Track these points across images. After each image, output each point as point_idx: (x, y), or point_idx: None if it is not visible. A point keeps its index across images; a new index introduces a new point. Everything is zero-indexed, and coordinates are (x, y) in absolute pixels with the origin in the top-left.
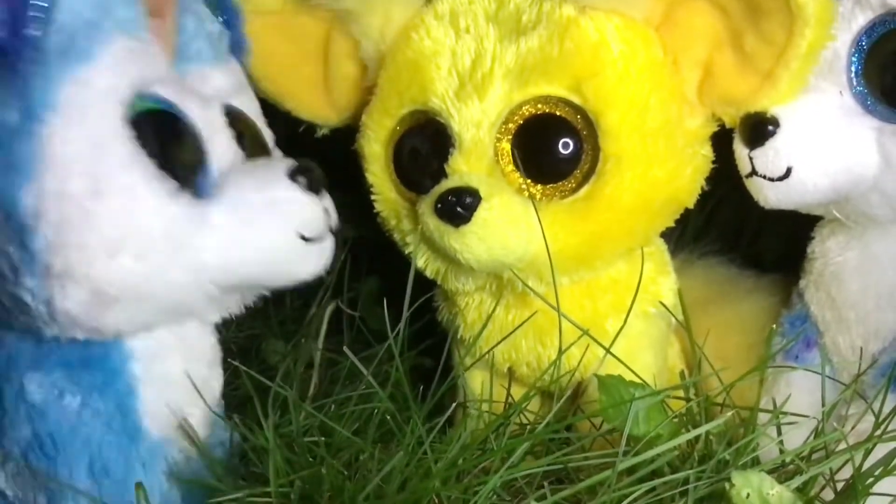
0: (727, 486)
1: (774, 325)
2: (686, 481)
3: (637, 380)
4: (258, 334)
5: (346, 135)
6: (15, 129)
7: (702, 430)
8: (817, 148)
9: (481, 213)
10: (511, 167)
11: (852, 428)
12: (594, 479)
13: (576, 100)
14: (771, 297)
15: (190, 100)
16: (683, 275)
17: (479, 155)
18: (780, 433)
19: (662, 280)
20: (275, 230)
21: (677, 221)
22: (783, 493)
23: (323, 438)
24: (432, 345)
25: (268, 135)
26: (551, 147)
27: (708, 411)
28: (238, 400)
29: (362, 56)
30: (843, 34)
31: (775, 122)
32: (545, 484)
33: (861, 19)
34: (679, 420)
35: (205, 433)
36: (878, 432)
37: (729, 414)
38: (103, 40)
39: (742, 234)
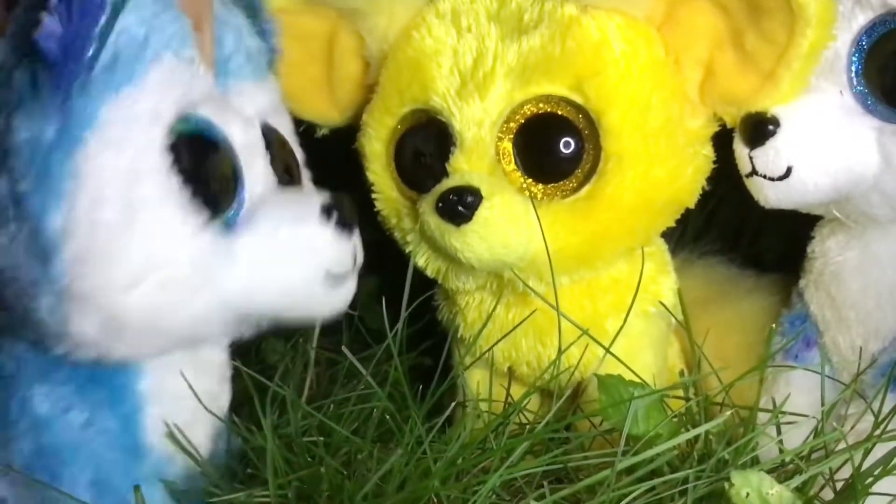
0: (726, 485)
1: (774, 325)
2: (685, 481)
3: (637, 379)
4: (257, 333)
5: (347, 133)
6: (52, 146)
7: (701, 429)
8: (818, 148)
9: (482, 213)
10: (512, 166)
11: (852, 427)
12: (593, 478)
13: (577, 99)
14: (771, 296)
15: (233, 121)
16: (683, 274)
17: (480, 154)
18: (779, 433)
19: (663, 280)
20: (302, 268)
21: (677, 221)
22: (782, 492)
23: (322, 438)
24: (432, 344)
25: (300, 154)
26: (552, 146)
27: (707, 411)
28: (237, 400)
29: (366, 54)
30: (844, 34)
31: (776, 122)
32: (544, 483)
33: (861, 19)
34: (678, 419)
35: (209, 448)
36: (878, 432)
37: (728, 413)
38: (150, 59)
39: (742, 233)
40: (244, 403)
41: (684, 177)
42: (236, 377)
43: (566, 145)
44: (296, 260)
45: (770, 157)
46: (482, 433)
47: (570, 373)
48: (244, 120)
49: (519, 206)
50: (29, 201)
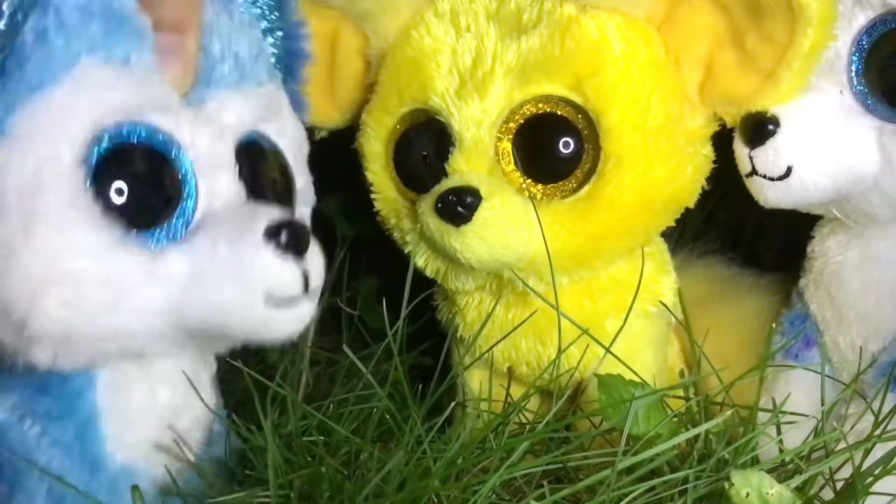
0: (726, 485)
1: (774, 324)
2: (685, 480)
3: (637, 379)
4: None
5: (347, 134)
6: None
7: (701, 429)
8: (817, 147)
9: (482, 213)
10: (512, 167)
11: (852, 427)
12: (593, 478)
13: (577, 99)
14: (771, 296)
15: (195, 130)
16: (683, 274)
17: (479, 154)
18: (779, 432)
19: (662, 279)
20: (237, 290)
21: (677, 221)
22: (782, 492)
23: (322, 438)
24: (431, 344)
25: (301, 166)
26: (552, 146)
27: (707, 410)
28: (236, 399)
29: (369, 53)
30: (844, 33)
31: (775, 122)
32: (544, 483)
33: (862, 19)
34: (678, 419)
35: (176, 458)
36: (878, 432)
37: (728, 413)
38: (68, 65)
39: (742, 233)
40: (244, 403)
41: (684, 176)
42: (236, 377)
43: (565, 145)
44: (230, 280)
45: (770, 156)
46: (482, 433)
47: (569, 373)
48: (215, 130)
49: (518, 207)
50: None
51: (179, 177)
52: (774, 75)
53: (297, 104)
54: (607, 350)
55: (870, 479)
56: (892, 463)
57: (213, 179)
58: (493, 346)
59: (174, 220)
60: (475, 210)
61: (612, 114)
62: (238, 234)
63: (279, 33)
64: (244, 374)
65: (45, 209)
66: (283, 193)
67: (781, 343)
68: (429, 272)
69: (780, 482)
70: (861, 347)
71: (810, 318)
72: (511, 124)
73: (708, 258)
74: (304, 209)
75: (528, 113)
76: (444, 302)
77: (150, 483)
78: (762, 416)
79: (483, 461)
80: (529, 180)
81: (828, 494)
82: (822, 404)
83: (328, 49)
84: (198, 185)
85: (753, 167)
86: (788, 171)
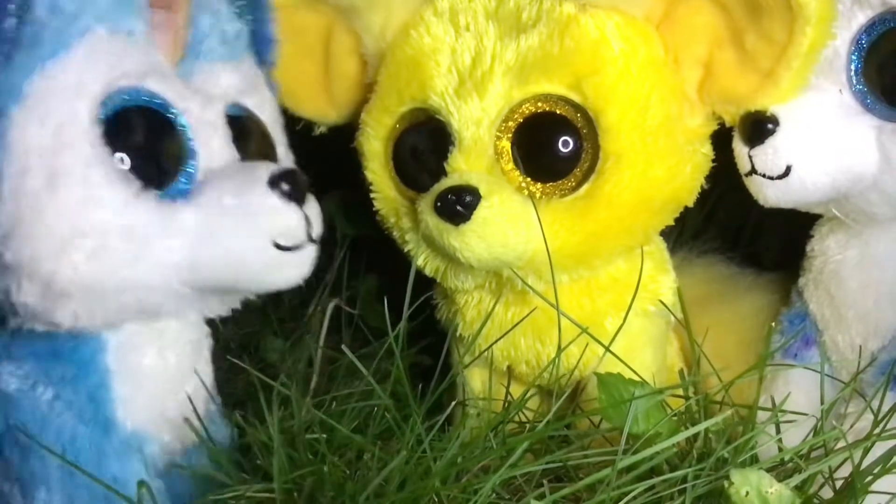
0: (726, 484)
1: (773, 324)
2: (685, 479)
3: (636, 378)
4: (257, 332)
5: (346, 132)
6: None
7: (700, 427)
8: (817, 146)
9: (481, 212)
10: (511, 165)
11: (851, 426)
12: (593, 477)
13: (576, 98)
14: (770, 295)
15: (187, 97)
16: (683, 273)
17: (478, 153)
18: (778, 431)
19: (662, 278)
20: (246, 236)
21: (676, 220)
22: (782, 491)
23: (324, 436)
24: (431, 342)
25: (280, 138)
26: (551, 145)
27: (707, 409)
28: (235, 398)
29: (363, 52)
30: (843, 32)
31: (775, 121)
32: (544, 482)
33: (861, 18)
34: (678, 418)
35: (182, 426)
36: (877, 430)
37: (728, 412)
38: (79, 33)
39: (741, 232)
40: (246, 400)
41: (683, 175)
42: (237, 374)
43: (565, 144)
44: (239, 228)
45: (769, 155)
46: (482, 432)
47: (569, 372)
48: (204, 98)
49: (517, 206)
50: None
51: (182, 137)
52: (774, 74)
53: (270, 86)
54: (607, 349)
55: (869, 477)
56: (892, 462)
57: (209, 142)
58: (492, 345)
59: (181, 177)
60: (474, 209)
61: (611, 113)
62: (242, 185)
63: (249, 17)
64: (246, 372)
65: (67, 166)
66: (271, 159)
67: (781, 342)
68: (428, 271)
69: (779, 481)
70: (860, 346)
71: (809, 317)
72: (510, 123)
73: (707, 257)
74: (309, 202)
75: (528, 112)
76: (444, 301)
77: (159, 449)
78: (762, 415)
79: (483, 460)
80: (529, 179)
81: (827, 493)
82: (822, 403)
83: (322, 45)
84: (196, 146)
85: (753, 166)
86: (788, 170)
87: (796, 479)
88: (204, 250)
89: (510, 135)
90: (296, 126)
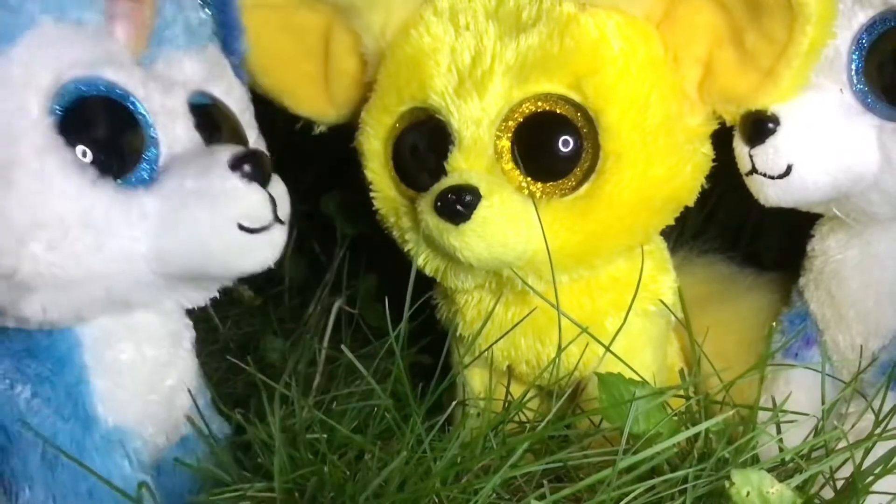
0: (727, 484)
1: (774, 323)
2: (685, 479)
3: (637, 378)
4: (256, 332)
5: (346, 132)
6: None
7: (701, 427)
8: (817, 146)
9: (481, 212)
10: (511, 165)
11: (852, 426)
12: (594, 477)
13: (576, 97)
14: (770, 294)
15: (149, 85)
16: (683, 273)
17: (478, 153)
18: (779, 431)
19: (662, 278)
20: (209, 220)
21: (677, 219)
22: (783, 491)
23: (325, 436)
24: (430, 342)
25: (249, 124)
26: (551, 145)
27: (707, 409)
28: (235, 398)
29: (363, 51)
30: (844, 32)
31: (775, 120)
32: (545, 482)
33: (861, 17)
34: (679, 418)
35: (165, 419)
36: (878, 430)
37: (730, 413)
38: (24, 25)
39: (742, 231)
40: (247, 400)
41: (683, 175)
42: (235, 376)
43: (565, 144)
44: (202, 212)
45: (770, 155)
46: (482, 432)
47: (569, 372)
48: (166, 85)
49: (518, 205)
50: None
51: (140, 125)
52: (774, 73)
53: (239, 75)
54: (607, 349)
55: (870, 477)
56: (893, 462)
57: (171, 128)
58: (492, 345)
59: (141, 165)
60: (474, 209)
61: (611, 112)
62: (203, 168)
63: (211, 6)
64: (246, 372)
65: (20, 158)
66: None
67: (781, 342)
68: (428, 271)
69: (780, 481)
70: (861, 346)
71: (810, 316)
72: (510, 123)
73: (707, 257)
74: (274, 183)
75: (528, 111)
76: (444, 300)
77: (142, 444)
78: (762, 415)
79: (483, 461)
80: (529, 179)
81: (828, 493)
82: (823, 403)
83: (321, 44)
84: (157, 133)
85: (753, 165)
86: (788, 169)
87: (797, 480)
88: (168, 237)
89: (510, 134)
90: (295, 125)
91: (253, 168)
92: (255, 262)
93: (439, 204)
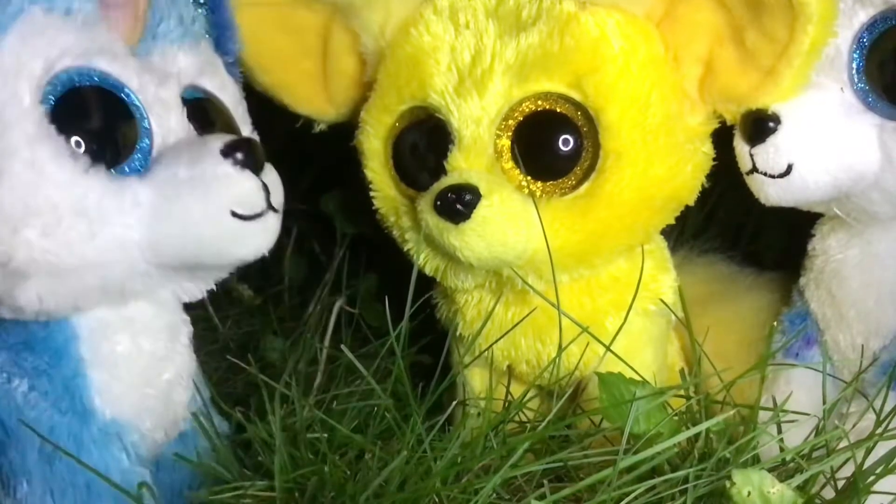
0: (727, 484)
1: (775, 323)
2: (686, 479)
3: (637, 377)
4: (256, 331)
5: (346, 131)
6: None
7: (702, 427)
8: (818, 145)
9: (481, 211)
10: (511, 164)
11: (853, 426)
12: (594, 477)
13: (576, 96)
14: (771, 294)
15: (143, 76)
16: (683, 272)
17: (478, 152)
18: (780, 431)
19: (662, 277)
20: (202, 207)
21: (677, 218)
22: (784, 491)
23: (325, 435)
24: (430, 341)
25: (243, 119)
26: (551, 144)
27: (708, 409)
28: (236, 397)
29: (362, 51)
30: (845, 31)
31: (776, 119)
32: (545, 482)
33: (862, 16)
34: (679, 418)
35: (163, 414)
36: (879, 430)
37: (731, 412)
38: (13, 15)
39: (742, 231)
40: (247, 399)
41: (684, 174)
42: (235, 375)
43: (565, 143)
44: (194, 199)
45: (770, 154)
46: (482, 432)
47: (570, 371)
48: (161, 76)
49: (518, 204)
50: None
51: (134, 115)
52: (775, 72)
53: (232, 73)
54: (607, 348)
55: (871, 477)
56: (894, 462)
57: (165, 119)
58: (492, 345)
59: (134, 155)
60: (474, 208)
61: (611, 111)
62: (196, 156)
63: (206, 8)
64: (246, 371)
65: (13, 146)
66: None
67: (782, 342)
68: (428, 270)
69: (781, 481)
70: (862, 346)
71: (811, 316)
72: (510, 122)
73: (708, 256)
74: (267, 171)
75: (528, 110)
76: (444, 300)
77: (140, 437)
78: (763, 415)
79: (484, 461)
80: (529, 178)
81: (829, 493)
82: (824, 403)
83: (320, 44)
84: (151, 124)
85: (754, 165)
86: (789, 168)
87: (798, 480)
88: (162, 225)
89: (510, 133)
90: (295, 124)
91: (245, 155)
92: (249, 249)
93: (439, 203)
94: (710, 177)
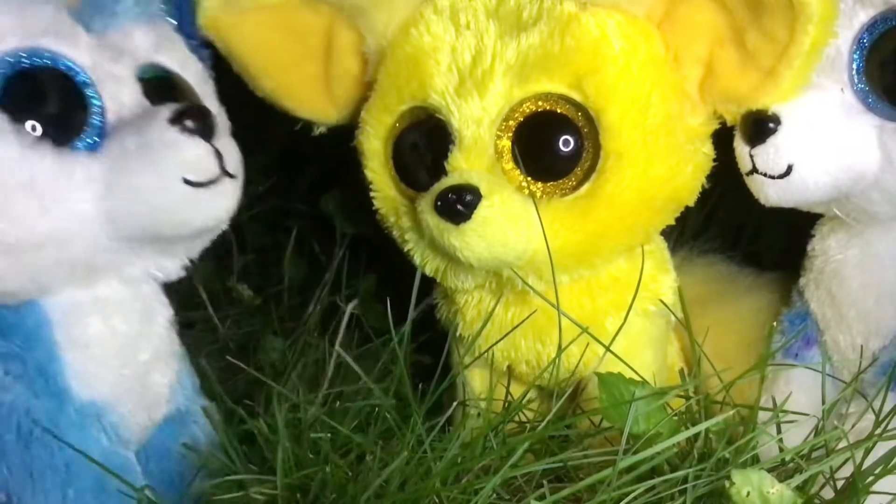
0: (727, 484)
1: (774, 323)
2: (686, 479)
3: (637, 378)
4: (256, 331)
5: (346, 132)
6: None
7: (701, 427)
8: (818, 145)
9: (481, 212)
10: (511, 165)
11: (852, 426)
12: (594, 477)
13: (576, 97)
14: (771, 294)
15: (94, 52)
16: (683, 272)
17: (479, 152)
18: (779, 431)
19: (662, 278)
20: (153, 176)
21: (677, 219)
22: (783, 491)
23: (329, 435)
24: (430, 341)
25: (209, 96)
26: (552, 144)
27: (707, 409)
28: (235, 397)
29: (365, 51)
30: (845, 31)
31: (776, 120)
32: (545, 482)
33: (862, 16)
34: (679, 418)
35: (141, 394)
36: (879, 431)
37: (731, 413)
38: None
39: (742, 231)
40: (247, 398)
41: (684, 175)
42: (235, 375)
43: (565, 143)
44: (145, 168)
45: (770, 154)
46: (482, 433)
47: (569, 372)
48: (114, 53)
49: (518, 205)
50: None
51: (84, 93)
52: (775, 73)
53: (201, 60)
54: (607, 349)
55: (870, 478)
56: (893, 462)
57: (117, 95)
58: (492, 346)
59: (86, 132)
60: (475, 208)
61: (612, 111)
62: (144, 126)
63: None
64: (245, 371)
65: None
66: None
67: (781, 342)
68: (428, 271)
69: (780, 481)
70: (861, 346)
71: (810, 316)
72: (511, 122)
73: (708, 257)
74: (225, 135)
75: (528, 111)
76: (444, 300)
77: (120, 419)
78: (763, 416)
79: (484, 461)
80: (529, 178)
81: (828, 493)
82: (823, 403)
83: (323, 46)
84: (103, 100)
85: (754, 165)
86: (789, 169)
87: (797, 480)
88: (116, 198)
89: (511, 134)
90: (294, 126)
91: (194, 121)
92: (207, 216)
93: (439, 203)
94: (710, 177)
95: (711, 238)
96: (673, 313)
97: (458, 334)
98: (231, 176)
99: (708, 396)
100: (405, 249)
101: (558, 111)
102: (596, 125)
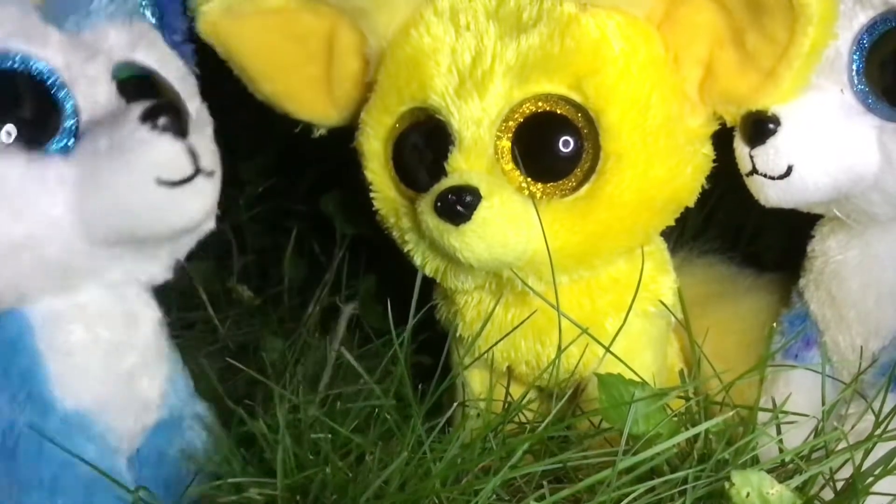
0: (727, 485)
1: (774, 324)
2: (685, 480)
3: (637, 379)
4: (256, 332)
5: (346, 132)
6: None
7: (701, 428)
8: (818, 146)
9: (481, 212)
10: (511, 165)
11: (852, 427)
12: (594, 478)
13: (576, 98)
14: (770, 295)
15: (66, 52)
16: (683, 273)
17: (479, 153)
18: (779, 432)
19: (662, 279)
20: (126, 176)
21: (677, 220)
22: (783, 492)
23: (329, 435)
24: (429, 341)
25: (190, 93)
26: (552, 145)
27: (707, 410)
28: (235, 398)
29: (367, 52)
30: (845, 32)
31: (776, 121)
32: (544, 483)
33: (862, 17)
34: (678, 419)
35: (128, 401)
36: (878, 431)
37: (730, 414)
38: None
39: (742, 232)
40: (246, 398)
41: (684, 175)
42: (235, 375)
43: (565, 144)
44: (117, 169)
45: (770, 155)
46: (482, 433)
47: (569, 373)
48: (88, 53)
49: (518, 206)
50: None
51: (56, 96)
52: (775, 74)
53: (183, 57)
54: (607, 350)
55: (870, 479)
56: (893, 463)
57: (91, 95)
58: (492, 347)
59: (58, 136)
60: (475, 209)
61: (611, 112)
62: (116, 125)
63: None
64: (245, 372)
65: None
66: None
67: (781, 343)
68: (428, 271)
69: (780, 482)
70: (861, 347)
71: (810, 317)
72: (510, 123)
73: (708, 257)
74: (202, 132)
75: (528, 111)
76: (443, 301)
77: (106, 428)
78: (762, 416)
79: (483, 462)
80: (529, 179)
81: (828, 494)
82: (823, 404)
83: (325, 47)
84: (76, 101)
85: (754, 166)
86: (789, 170)
87: (797, 481)
88: (90, 200)
89: (510, 134)
90: (294, 128)
91: (166, 119)
92: (184, 216)
93: (439, 204)
94: (709, 178)
95: (711, 239)
96: (673, 314)
97: (457, 335)
98: (207, 173)
99: (708, 397)
100: (405, 250)
101: (558, 112)
102: (596, 126)
